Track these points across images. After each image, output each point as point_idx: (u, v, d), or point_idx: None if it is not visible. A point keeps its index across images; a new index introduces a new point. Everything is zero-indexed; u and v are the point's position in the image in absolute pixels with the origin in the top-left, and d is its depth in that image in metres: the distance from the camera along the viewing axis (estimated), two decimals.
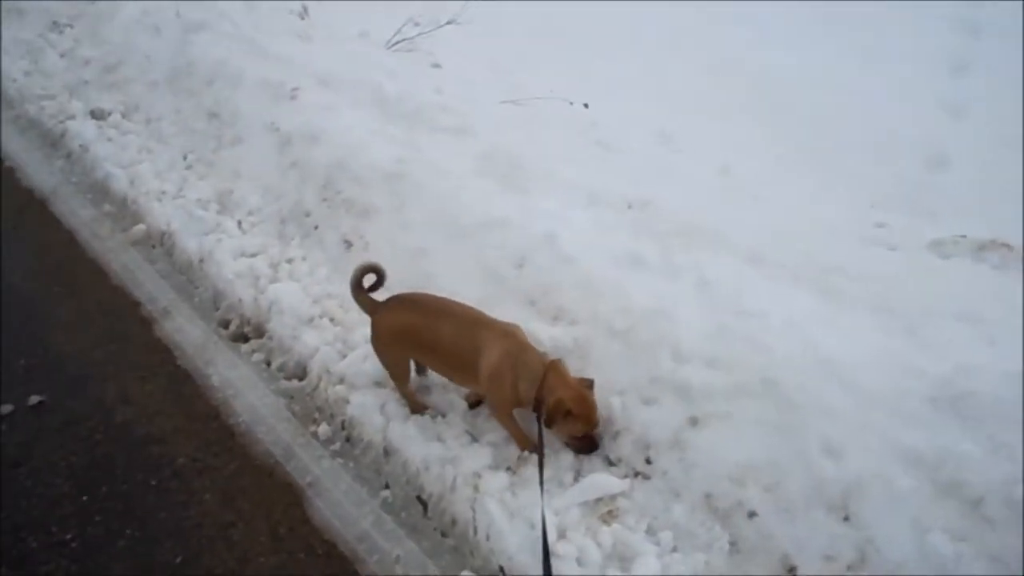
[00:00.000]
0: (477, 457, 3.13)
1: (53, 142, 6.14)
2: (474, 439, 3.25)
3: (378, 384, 3.59)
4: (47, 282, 4.58)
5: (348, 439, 3.47)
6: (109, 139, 5.91)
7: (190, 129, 5.83)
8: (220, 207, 5.07)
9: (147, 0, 7.26)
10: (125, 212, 5.24)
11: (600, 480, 2.96)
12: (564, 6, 8.08)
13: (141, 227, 5.02)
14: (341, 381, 3.63)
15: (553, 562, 2.68)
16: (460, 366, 3.16)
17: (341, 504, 3.15)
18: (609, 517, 2.87)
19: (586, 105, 5.74)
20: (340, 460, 3.38)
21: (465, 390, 3.44)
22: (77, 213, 5.30)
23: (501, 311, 3.64)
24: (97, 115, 6.21)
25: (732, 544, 2.71)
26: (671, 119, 6.04)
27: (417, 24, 7.15)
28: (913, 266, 4.01)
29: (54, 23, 7.71)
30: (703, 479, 2.84)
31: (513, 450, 3.15)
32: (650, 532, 2.81)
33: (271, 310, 4.08)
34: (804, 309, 3.24)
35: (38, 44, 7.39)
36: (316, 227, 4.67)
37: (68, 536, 3.02)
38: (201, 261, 4.57)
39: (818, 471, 2.68)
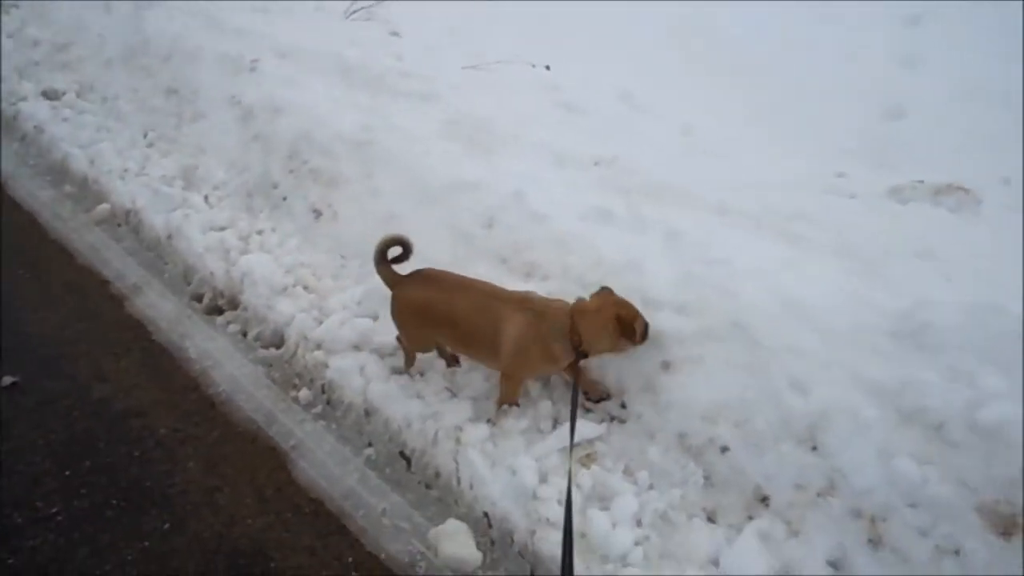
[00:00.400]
0: (457, 411, 3.19)
1: (6, 125, 6.03)
2: (453, 395, 3.32)
3: (356, 348, 3.63)
4: (10, 265, 4.51)
5: (329, 402, 3.51)
6: (65, 119, 5.82)
7: (149, 107, 5.75)
8: (185, 183, 5.03)
9: None
10: (87, 192, 5.18)
11: (579, 425, 3.03)
12: None
13: (105, 206, 4.97)
14: (319, 347, 3.66)
15: (534, 504, 2.78)
16: (477, 342, 3.10)
17: (325, 464, 3.20)
18: (588, 460, 2.96)
19: (548, 68, 5.77)
20: (322, 422, 3.42)
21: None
22: (36, 195, 5.23)
23: (473, 270, 3.70)
24: (50, 95, 6.09)
25: (706, 479, 2.82)
26: (633, 80, 6.08)
27: None
28: (873, 211, 4.14)
29: None
30: (676, 420, 2.94)
31: (492, 403, 3.21)
32: (627, 472, 2.91)
33: (244, 281, 4.09)
34: (769, 255, 3.34)
35: None
36: (284, 198, 4.67)
37: (53, 510, 3.02)
38: (169, 237, 4.55)
39: (786, 406, 2.79)
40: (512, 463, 2.92)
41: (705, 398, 2.93)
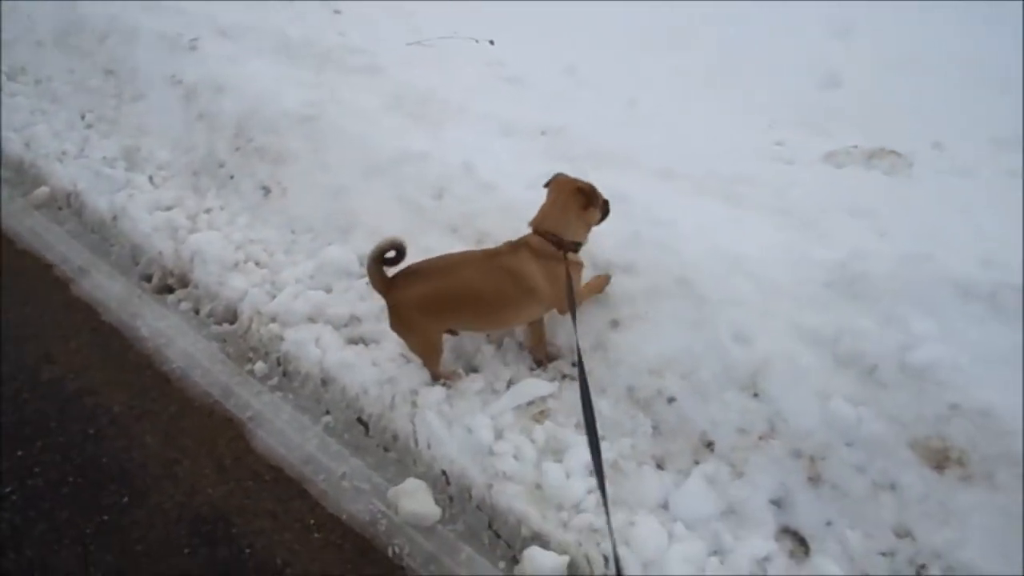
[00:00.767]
0: (413, 376, 3.25)
1: None
2: (408, 360, 3.37)
3: (311, 320, 3.66)
4: None
5: (285, 374, 3.54)
6: None
7: (86, 88, 5.63)
8: (128, 164, 4.95)
9: None
10: (23, 176, 5.07)
11: (531, 385, 3.14)
12: None
13: (44, 189, 4.87)
14: (273, 320, 3.68)
15: (491, 460, 2.86)
16: (505, 305, 3.01)
17: (284, 432, 3.23)
18: (541, 417, 3.05)
19: (491, 43, 5.80)
20: (279, 393, 3.45)
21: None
22: None
23: (424, 240, 3.76)
24: None
25: (655, 428, 2.94)
26: (577, 56, 6.14)
27: None
28: (810, 175, 4.29)
29: None
30: (625, 374, 3.05)
31: (447, 366, 3.28)
32: (579, 426, 3.01)
33: (194, 260, 4.07)
34: (711, 215, 3.47)
35: None
36: (231, 177, 4.64)
37: (7, 490, 3.01)
38: (114, 218, 4.48)
39: (729, 356, 2.92)
40: (468, 422, 3.00)
41: (653, 352, 3.04)
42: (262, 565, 2.69)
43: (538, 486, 2.80)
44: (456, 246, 3.66)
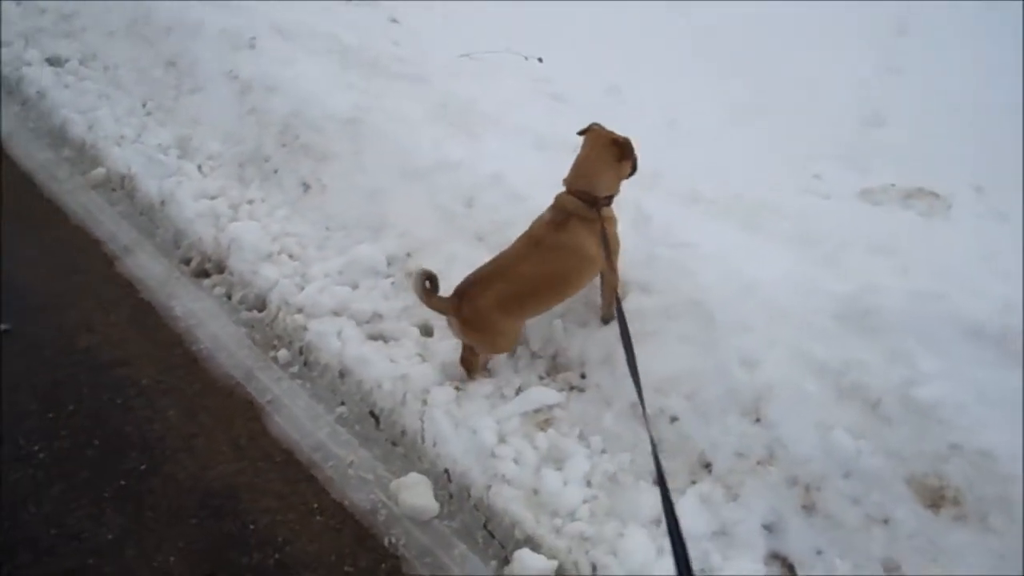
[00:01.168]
0: (427, 375, 3.35)
1: (9, 89, 6.16)
2: (424, 360, 3.47)
3: (335, 313, 3.78)
4: (7, 221, 4.65)
5: (306, 363, 3.67)
6: (66, 86, 5.95)
7: (149, 77, 5.89)
8: (180, 152, 5.18)
9: None
10: (84, 156, 5.32)
11: (539, 393, 3.21)
12: None
13: (101, 170, 5.12)
14: (299, 311, 3.81)
15: (492, 462, 2.94)
16: (562, 286, 3.18)
17: (298, 419, 3.36)
18: (545, 424, 3.12)
19: (540, 60, 5.92)
20: (298, 381, 3.58)
21: None
22: (34, 156, 5.37)
23: (451, 247, 3.88)
24: (54, 62, 6.23)
25: (655, 445, 2.97)
26: (624, 76, 6.23)
27: None
28: (841, 210, 4.30)
29: None
30: (631, 390, 3.07)
31: (459, 369, 3.37)
32: (582, 437, 3.07)
33: (231, 247, 4.23)
34: (731, 240, 3.50)
35: None
36: (275, 171, 4.82)
37: (35, 448, 3.17)
38: (162, 203, 4.69)
39: (734, 380, 2.96)
40: (474, 424, 3.08)
41: (660, 370, 3.08)
42: (264, 541, 2.80)
43: (535, 491, 2.87)
44: (481, 253, 3.75)
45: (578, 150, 3.28)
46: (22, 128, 5.67)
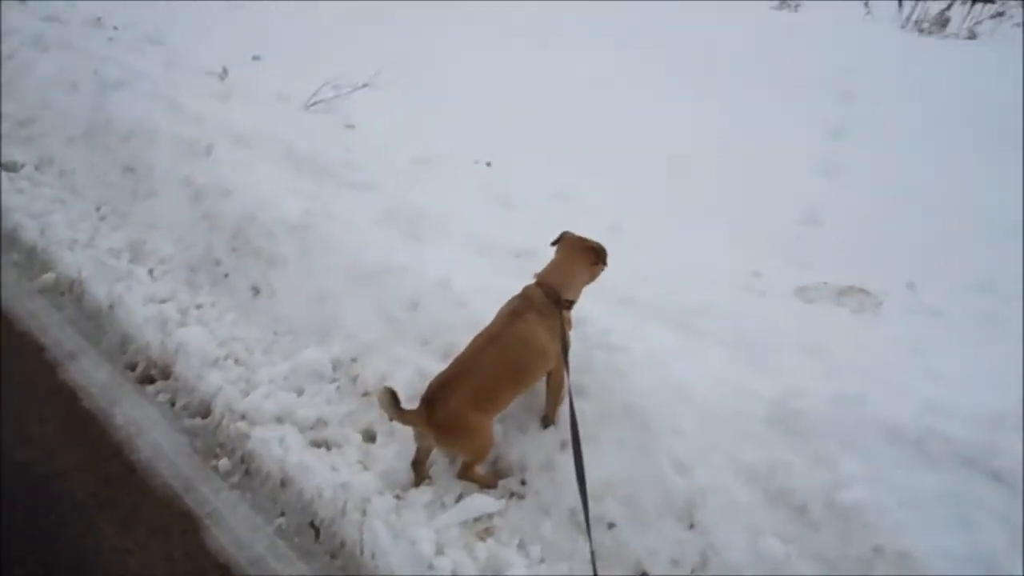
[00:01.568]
0: (367, 484, 3.35)
1: None
2: (366, 468, 3.47)
3: (279, 420, 3.78)
4: None
5: (247, 472, 3.64)
6: (20, 191, 5.99)
7: (105, 182, 5.98)
8: (132, 256, 5.22)
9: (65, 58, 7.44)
10: (34, 261, 5.32)
11: (479, 501, 3.22)
12: (474, 74, 8.59)
13: (50, 275, 5.12)
14: (243, 417, 3.80)
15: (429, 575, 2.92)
16: (524, 376, 3.28)
17: (237, 531, 3.31)
18: (485, 534, 3.13)
19: (488, 164, 6.14)
20: (238, 491, 3.54)
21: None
22: None
23: (396, 351, 3.94)
24: (9, 167, 6.29)
25: (593, 554, 2.99)
26: (572, 179, 6.45)
27: (335, 87, 7.50)
28: (776, 308, 4.46)
29: None
30: (570, 497, 3.13)
31: (401, 476, 3.38)
32: (521, 546, 3.08)
33: (177, 352, 4.24)
34: (666, 343, 3.62)
35: None
36: (226, 275, 4.88)
37: None
38: (110, 307, 4.70)
39: (669, 485, 3.01)
40: (413, 534, 3.07)
41: (597, 477, 3.12)
42: None
43: None
44: (425, 358, 3.84)
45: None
46: None
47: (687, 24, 9.97)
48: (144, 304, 4.66)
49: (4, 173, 6.13)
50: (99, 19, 9.41)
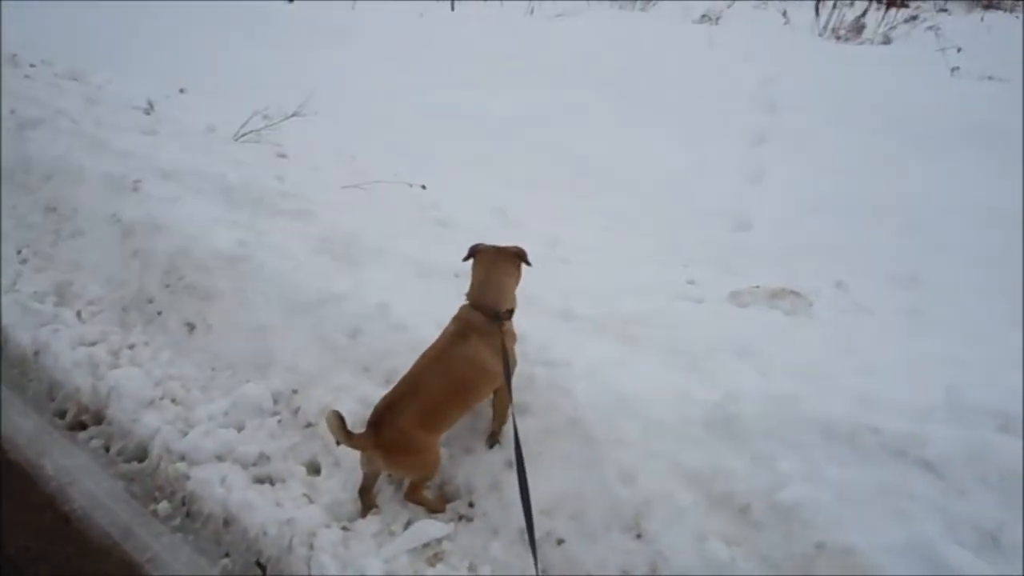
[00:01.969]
0: (313, 517, 3.28)
1: None
2: (311, 501, 3.42)
3: (219, 458, 3.69)
4: None
5: (188, 514, 3.54)
6: None
7: (26, 224, 5.78)
8: (58, 299, 5.04)
9: None
10: None
11: (427, 526, 3.20)
12: (402, 98, 8.61)
13: None
14: (182, 458, 3.70)
15: None
16: (467, 396, 3.29)
17: (179, 575, 3.21)
18: (435, 560, 3.10)
19: (424, 187, 6.14)
20: (180, 534, 3.44)
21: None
22: None
23: (338, 379, 3.90)
24: None
25: (543, 571, 2.99)
26: (507, 199, 6.50)
27: (265, 116, 7.41)
28: (712, 314, 4.55)
29: None
30: (518, 515, 3.10)
31: (348, 507, 3.33)
32: (471, 569, 3.06)
33: (110, 396, 4.11)
34: (604, 355, 3.66)
35: None
36: (159, 313, 4.75)
37: None
38: (36, 353, 4.53)
39: (615, 496, 3.04)
40: (362, 565, 3.03)
41: (544, 493, 3.13)
42: None
43: None
44: (367, 384, 3.80)
45: (469, 272, 3.48)
46: None
47: (617, 48, 10.15)
48: (72, 348, 4.50)
49: None
50: (14, 56, 9.13)
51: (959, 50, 9.38)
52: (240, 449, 3.73)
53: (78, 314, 4.88)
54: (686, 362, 3.65)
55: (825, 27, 11.47)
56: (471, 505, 3.31)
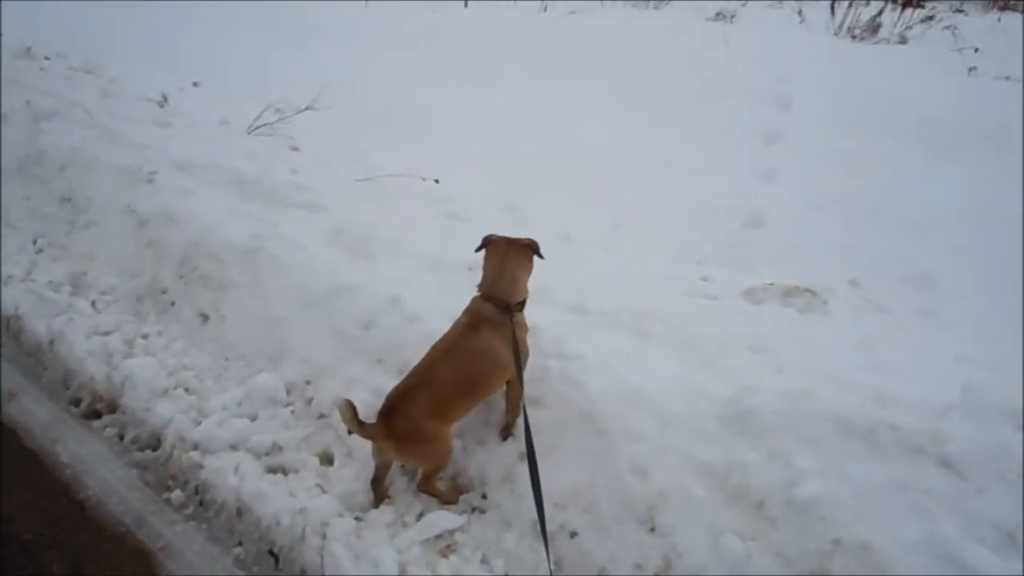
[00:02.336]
0: (326, 507, 3.29)
1: None
2: (323, 491, 3.42)
3: (232, 447, 3.70)
4: None
5: (202, 503, 3.55)
6: None
7: (41, 215, 5.81)
8: (73, 288, 5.07)
9: None
10: None
11: (441, 517, 3.20)
12: (414, 93, 8.61)
13: None
14: (195, 447, 3.71)
15: None
16: (478, 387, 3.28)
17: (193, 564, 3.22)
18: (447, 551, 3.10)
19: (437, 181, 6.14)
20: (193, 523, 3.45)
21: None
22: None
23: (351, 370, 3.90)
24: None
25: (556, 564, 2.99)
26: (519, 193, 6.50)
27: (278, 110, 7.43)
28: (726, 311, 4.54)
29: None
30: (531, 507, 3.10)
31: (360, 497, 3.33)
32: (484, 561, 3.06)
33: (124, 385, 4.12)
34: (617, 349, 3.65)
35: None
36: (173, 303, 4.77)
37: None
38: (51, 343, 4.55)
39: (628, 489, 3.03)
40: (375, 555, 3.03)
41: (557, 486, 3.13)
42: None
43: None
44: (379, 376, 3.80)
45: (482, 263, 3.48)
46: None
47: (629, 46, 10.12)
48: (87, 337, 4.53)
49: None
50: (29, 49, 9.18)
51: (976, 50, 9.32)
52: (253, 439, 3.73)
53: (93, 304, 4.91)
54: (700, 357, 3.64)
55: (840, 26, 11.40)
56: (484, 497, 3.30)
